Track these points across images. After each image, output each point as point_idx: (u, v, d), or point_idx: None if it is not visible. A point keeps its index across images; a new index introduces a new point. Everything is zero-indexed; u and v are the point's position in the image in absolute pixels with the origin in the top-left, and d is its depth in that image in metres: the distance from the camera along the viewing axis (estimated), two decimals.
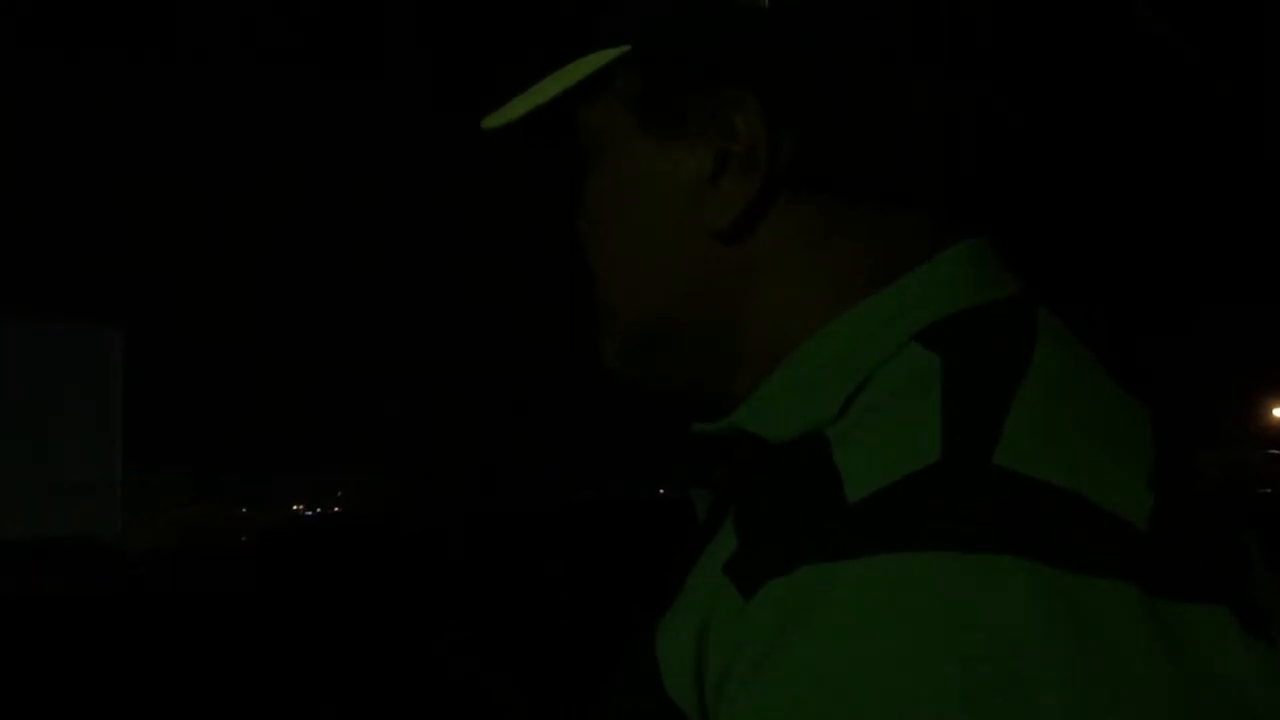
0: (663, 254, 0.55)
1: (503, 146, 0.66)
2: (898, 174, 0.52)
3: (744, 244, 0.54)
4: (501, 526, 6.42)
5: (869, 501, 0.42)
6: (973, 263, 0.52)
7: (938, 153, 0.52)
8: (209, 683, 5.40)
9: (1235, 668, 0.39)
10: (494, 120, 0.61)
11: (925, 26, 0.52)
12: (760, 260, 0.54)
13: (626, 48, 0.55)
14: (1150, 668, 0.37)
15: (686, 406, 0.60)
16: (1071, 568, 0.38)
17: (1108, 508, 0.41)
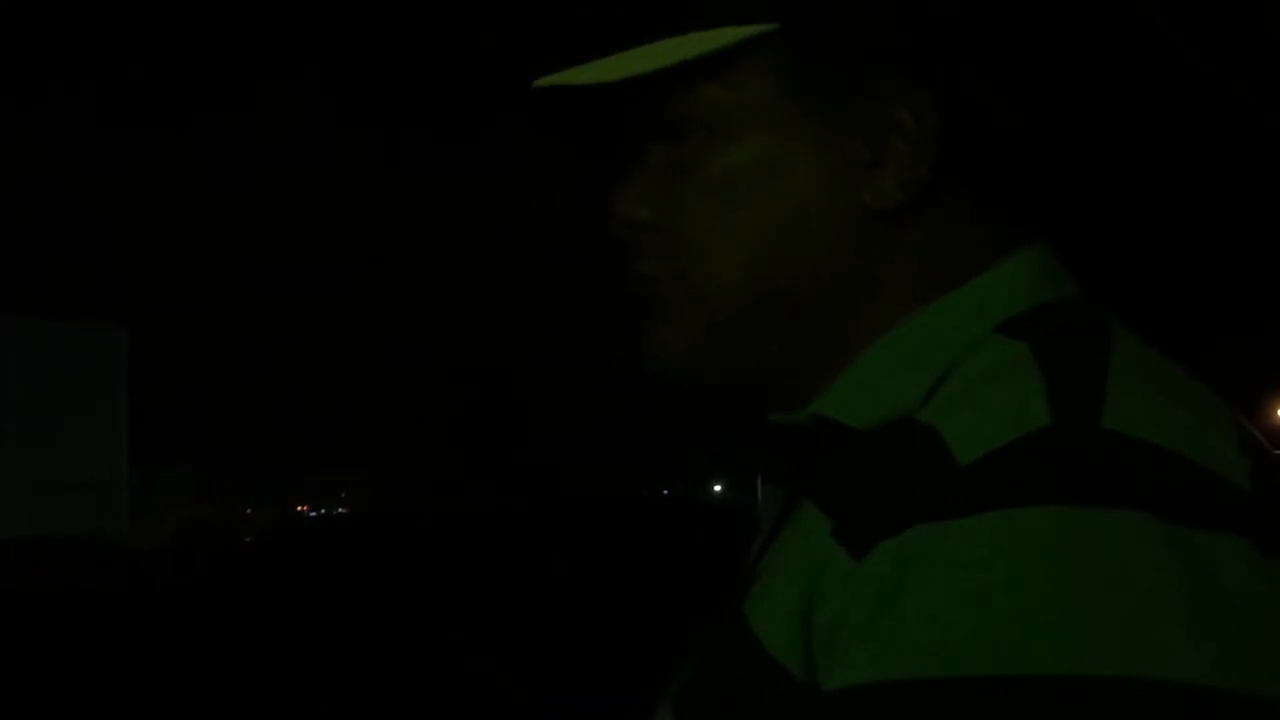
0: (813, 230, 0.55)
1: (572, 109, 0.60)
2: (1011, 175, 0.55)
3: (895, 227, 0.55)
4: (508, 524, 6.42)
5: (982, 463, 0.43)
6: (1041, 264, 0.55)
7: (1025, 157, 0.55)
8: (216, 681, 5.41)
9: None
10: (597, 74, 0.56)
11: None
12: (901, 245, 0.55)
13: (775, 25, 0.54)
14: (1265, 613, 0.40)
15: (734, 407, 0.60)
16: (1186, 522, 0.40)
17: (1211, 468, 0.43)
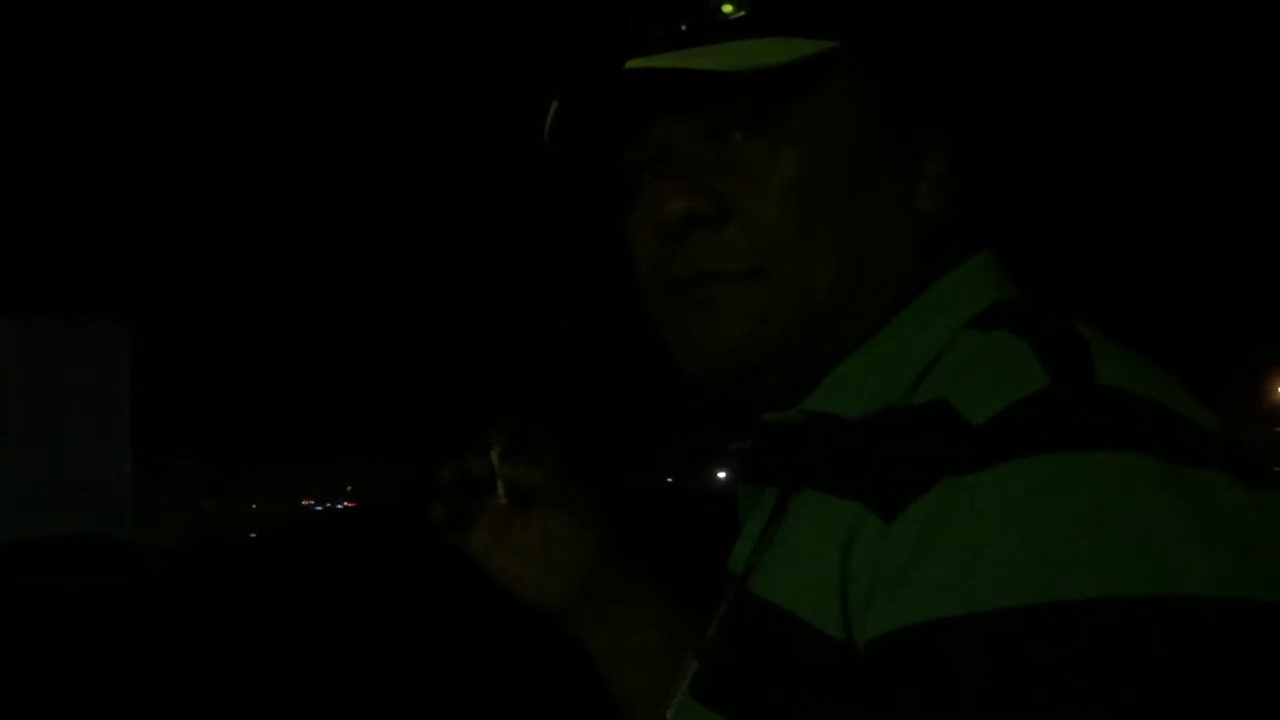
0: (888, 233, 0.59)
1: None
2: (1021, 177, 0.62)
3: (940, 235, 0.60)
4: None
5: (995, 421, 0.47)
6: (990, 268, 0.61)
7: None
8: (224, 677, 5.43)
9: None
10: (703, 62, 0.55)
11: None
12: (942, 251, 0.61)
13: (838, 43, 0.57)
14: (1258, 532, 0.44)
15: (745, 405, 0.62)
16: (1178, 461, 0.45)
17: (1190, 417, 0.48)
